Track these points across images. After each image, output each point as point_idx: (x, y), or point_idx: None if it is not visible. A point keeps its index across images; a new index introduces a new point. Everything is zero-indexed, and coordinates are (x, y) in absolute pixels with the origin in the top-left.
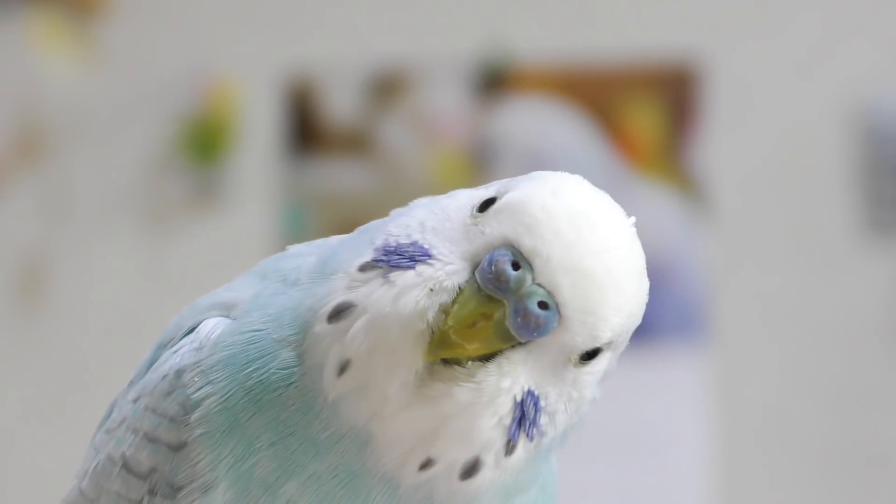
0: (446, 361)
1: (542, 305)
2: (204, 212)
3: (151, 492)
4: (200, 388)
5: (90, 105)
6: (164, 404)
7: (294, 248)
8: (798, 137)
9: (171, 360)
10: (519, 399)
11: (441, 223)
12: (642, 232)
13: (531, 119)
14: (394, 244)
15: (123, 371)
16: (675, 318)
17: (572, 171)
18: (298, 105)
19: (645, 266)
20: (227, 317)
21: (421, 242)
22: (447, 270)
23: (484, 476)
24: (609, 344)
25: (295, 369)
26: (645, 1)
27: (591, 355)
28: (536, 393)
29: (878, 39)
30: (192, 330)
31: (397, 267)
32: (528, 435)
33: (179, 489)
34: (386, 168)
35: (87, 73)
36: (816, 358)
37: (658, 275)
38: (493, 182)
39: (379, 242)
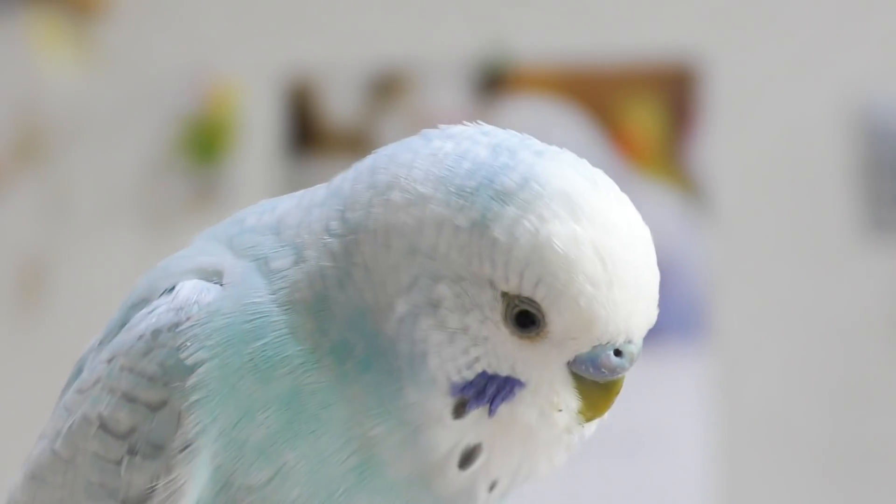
0: None
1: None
2: (204, 212)
3: (132, 451)
4: (194, 354)
5: (90, 105)
6: (141, 364)
7: (250, 219)
8: (798, 137)
9: (147, 321)
10: None
11: (482, 344)
12: None
13: (531, 119)
14: (471, 381)
15: None
16: (675, 318)
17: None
18: (298, 105)
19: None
20: (209, 281)
21: (499, 373)
22: (556, 390)
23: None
24: None
25: (313, 365)
26: (645, 1)
27: None
28: None
29: (878, 39)
30: (167, 291)
31: (501, 402)
32: None
33: (161, 448)
34: None
35: (87, 73)
36: (817, 357)
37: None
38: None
39: (447, 384)
